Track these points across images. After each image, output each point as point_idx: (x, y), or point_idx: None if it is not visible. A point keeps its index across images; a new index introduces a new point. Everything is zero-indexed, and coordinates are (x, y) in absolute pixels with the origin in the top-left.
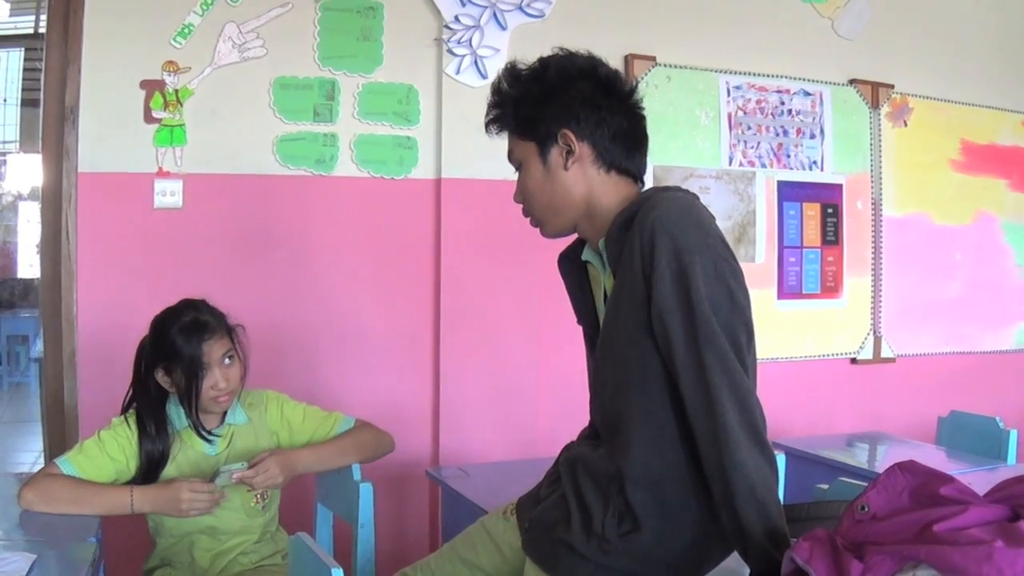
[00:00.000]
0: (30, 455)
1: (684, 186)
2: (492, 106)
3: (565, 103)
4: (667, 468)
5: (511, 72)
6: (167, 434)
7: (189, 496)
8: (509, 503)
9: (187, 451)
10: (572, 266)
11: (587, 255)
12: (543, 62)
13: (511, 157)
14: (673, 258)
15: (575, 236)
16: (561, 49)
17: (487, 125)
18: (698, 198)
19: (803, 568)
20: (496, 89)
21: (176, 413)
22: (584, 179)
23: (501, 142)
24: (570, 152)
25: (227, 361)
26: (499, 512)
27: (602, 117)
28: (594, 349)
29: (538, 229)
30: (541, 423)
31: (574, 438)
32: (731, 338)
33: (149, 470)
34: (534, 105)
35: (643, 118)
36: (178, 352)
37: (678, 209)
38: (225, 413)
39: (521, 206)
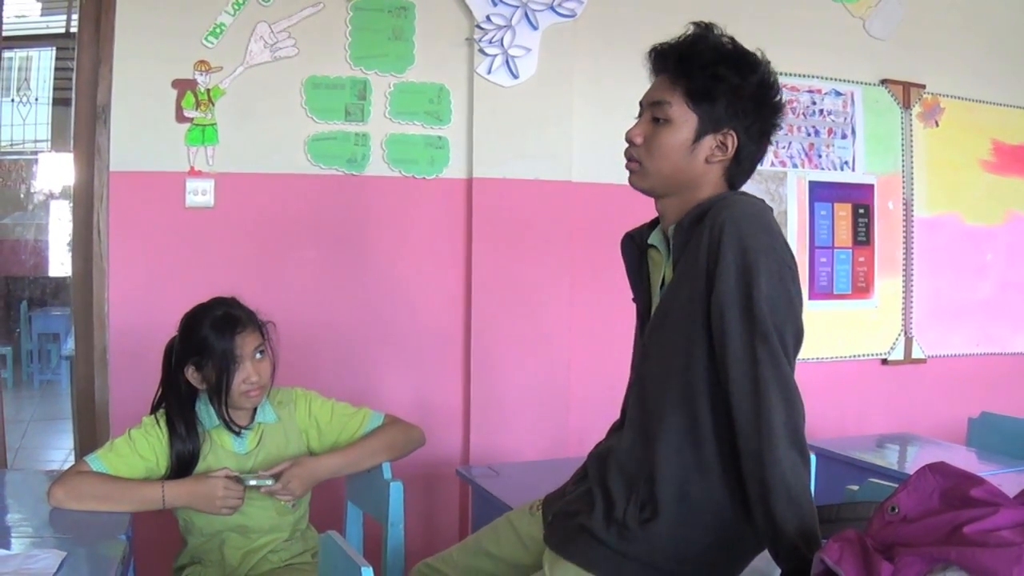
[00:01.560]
0: (61, 453)
1: None
2: (678, 50)
3: (748, 108)
4: (696, 460)
5: (713, 39)
6: (197, 434)
7: (224, 494)
8: (536, 499)
9: (217, 450)
10: (634, 246)
11: (654, 239)
12: (748, 57)
13: (659, 105)
14: (740, 254)
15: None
16: (759, 50)
17: (656, 53)
18: (770, 208)
19: (833, 569)
20: (692, 41)
21: (206, 412)
22: (709, 175)
23: (533, 142)
24: (722, 149)
25: (259, 356)
26: (526, 507)
27: (763, 140)
28: (643, 332)
29: (630, 168)
30: (572, 423)
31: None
32: (781, 339)
33: (179, 470)
34: (724, 91)
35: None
36: (210, 346)
37: (751, 212)
38: (255, 412)
39: (629, 147)
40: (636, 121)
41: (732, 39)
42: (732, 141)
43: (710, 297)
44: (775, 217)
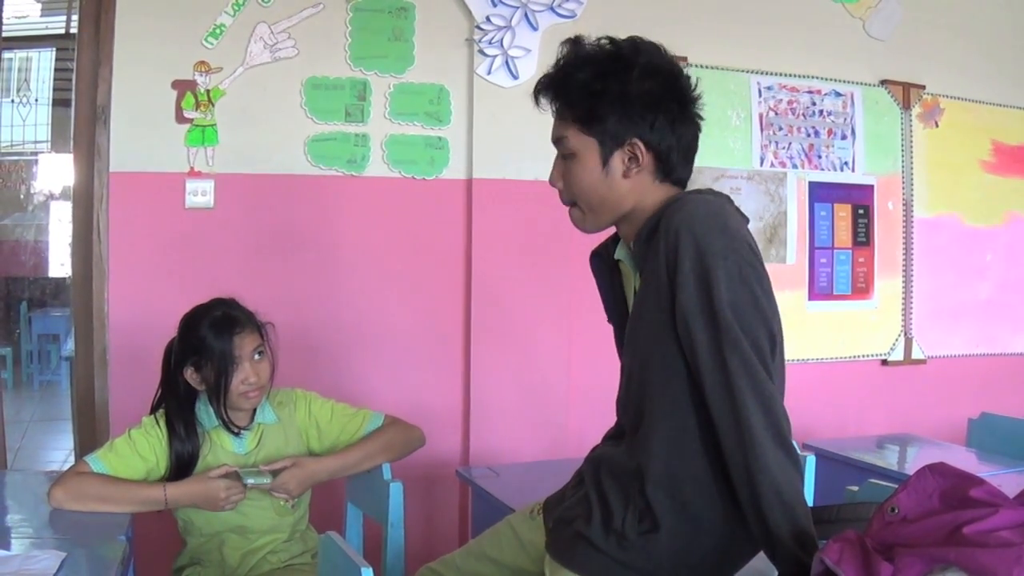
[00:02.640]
0: (61, 453)
1: (715, 187)
2: (553, 82)
3: (641, 110)
4: (688, 468)
5: (582, 53)
6: (196, 434)
7: (226, 494)
8: (536, 502)
9: (216, 451)
10: (603, 264)
11: (619, 253)
12: (621, 56)
13: (560, 142)
14: (697, 261)
15: (610, 231)
16: (629, 38)
17: (537, 94)
18: (730, 200)
19: (833, 570)
20: (563, 66)
21: (205, 413)
22: (639, 187)
23: (533, 143)
24: (634, 161)
25: (257, 356)
26: (526, 511)
27: (675, 129)
28: (623, 348)
29: (571, 214)
30: (571, 424)
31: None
32: (754, 343)
33: (179, 470)
34: (609, 104)
35: (701, 127)
36: (208, 346)
37: (705, 212)
38: (254, 412)
39: (559, 191)
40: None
41: (609, 39)
42: (640, 150)
43: (675, 307)
44: (736, 211)
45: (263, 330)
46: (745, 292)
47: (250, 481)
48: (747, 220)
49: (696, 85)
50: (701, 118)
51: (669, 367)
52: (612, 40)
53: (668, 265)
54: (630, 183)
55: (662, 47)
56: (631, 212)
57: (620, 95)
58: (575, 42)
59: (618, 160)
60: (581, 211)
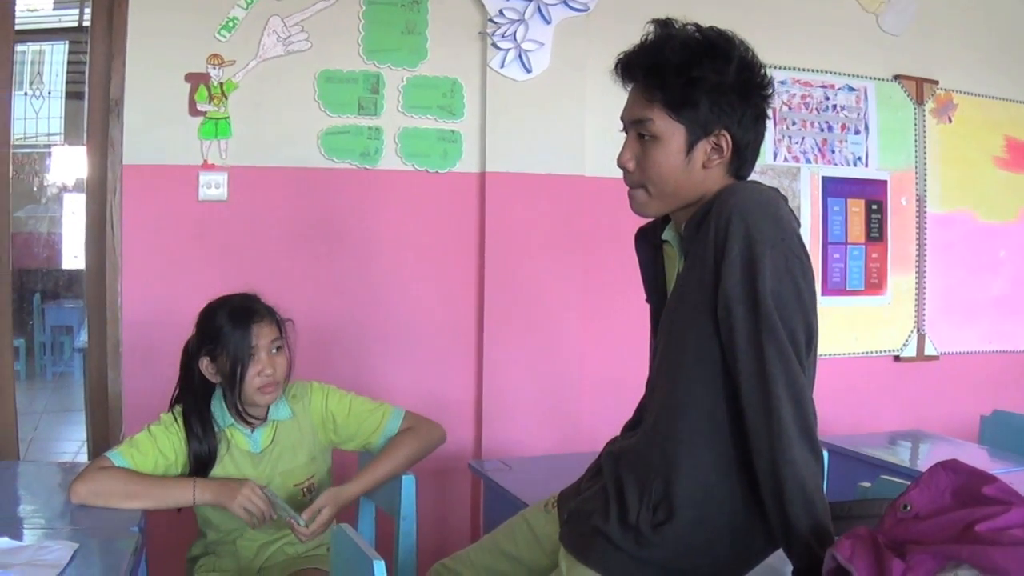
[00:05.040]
0: (73, 444)
1: None
2: (646, 61)
3: (734, 102)
4: (712, 456)
5: (678, 37)
6: (213, 433)
7: (249, 507)
8: (551, 496)
9: (232, 450)
10: (647, 243)
11: (667, 234)
12: (718, 46)
13: (642, 123)
14: (745, 247)
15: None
16: (714, 28)
17: (624, 69)
18: (783, 196)
19: (845, 566)
20: (655, 47)
21: (220, 411)
22: (712, 179)
23: (546, 137)
24: (717, 152)
25: (275, 350)
26: (540, 505)
27: (756, 126)
28: (657, 330)
29: (633, 196)
30: (585, 417)
31: (618, 432)
32: (791, 335)
33: (197, 469)
34: (704, 92)
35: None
36: (225, 334)
37: (758, 200)
38: (268, 410)
39: (625, 174)
40: (623, 142)
41: (697, 27)
42: (726, 141)
43: (718, 290)
44: (788, 207)
45: (282, 325)
46: (789, 283)
47: (272, 498)
48: (799, 223)
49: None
50: (769, 117)
51: (703, 351)
52: (699, 28)
53: (716, 249)
54: (706, 174)
55: (749, 49)
56: (694, 202)
57: (716, 85)
58: (667, 24)
59: (701, 149)
60: (648, 194)
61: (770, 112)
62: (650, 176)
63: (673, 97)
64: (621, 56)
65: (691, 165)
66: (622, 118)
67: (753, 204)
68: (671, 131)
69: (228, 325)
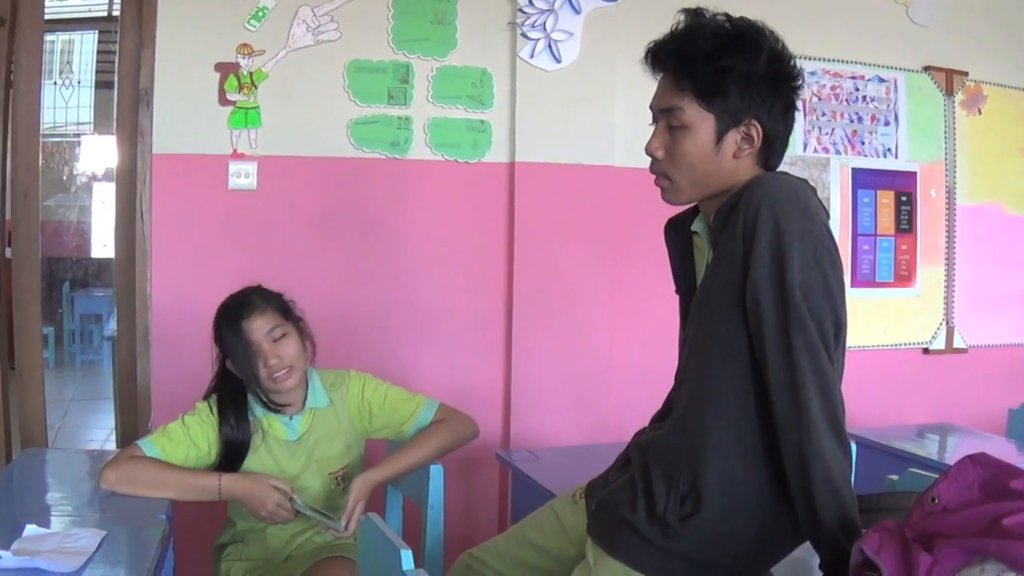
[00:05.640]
0: (102, 432)
1: None
2: (676, 49)
3: (764, 92)
4: (741, 449)
5: (708, 26)
6: (248, 423)
7: (273, 508)
8: (578, 486)
9: (268, 440)
10: (677, 234)
11: (697, 225)
12: (748, 36)
13: (672, 112)
14: (774, 238)
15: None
16: (743, 19)
17: (654, 57)
18: (812, 187)
19: (872, 559)
20: (685, 36)
21: (256, 400)
22: (742, 169)
23: (575, 127)
24: (748, 141)
25: (277, 338)
26: (568, 495)
27: (785, 117)
28: (686, 322)
29: (660, 185)
30: (613, 408)
31: (646, 423)
32: (819, 327)
33: (230, 457)
34: (734, 81)
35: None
36: (225, 338)
37: (787, 191)
38: (306, 397)
39: (653, 162)
40: (652, 131)
41: (728, 17)
42: (757, 131)
43: (746, 282)
44: (817, 198)
45: (288, 310)
46: (817, 274)
47: (308, 512)
48: (828, 215)
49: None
50: (798, 109)
51: (732, 342)
52: (730, 18)
53: (745, 239)
54: (736, 164)
55: (777, 33)
56: (723, 192)
57: (747, 74)
58: (697, 13)
59: (732, 139)
60: (676, 183)
61: (800, 103)
62: (679, 165)
63: (703, 86)
64: (651, 45)
65: (721, 155)
66: (651, 107)
67: (782, 195)
68: (701, 120)
69: (224, 327)
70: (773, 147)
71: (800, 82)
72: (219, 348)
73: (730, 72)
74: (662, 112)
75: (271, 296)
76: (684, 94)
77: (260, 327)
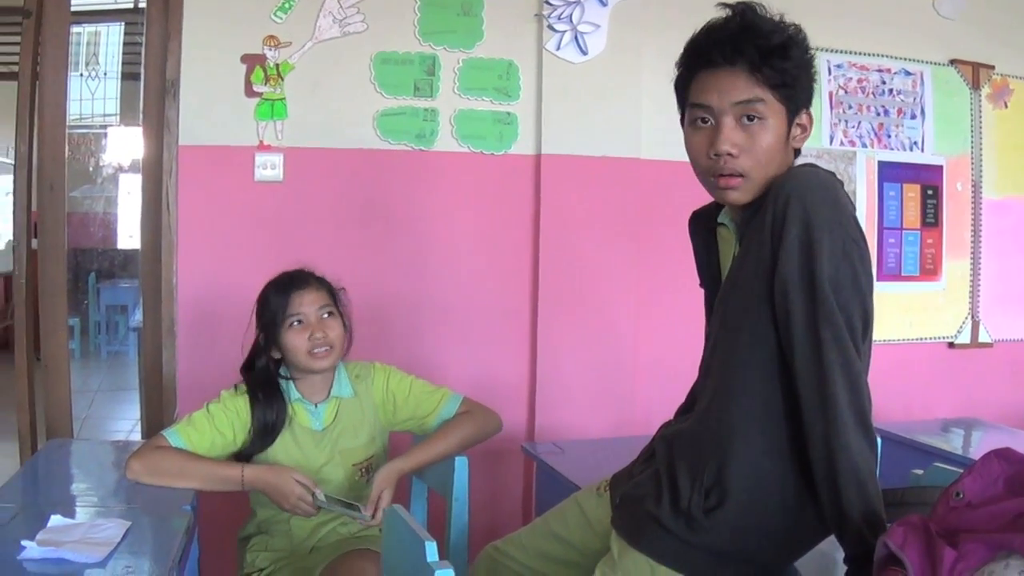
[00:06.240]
0: (127, 423)
1: None
2: (748, 41)
3: (810, 81)
4: (765, 442)
5: (767, 18)
6: (282, 401)
7: (295, 502)
8: (603, 479)
9: (294, 427)
10: (702, 227)
11: (724, 218)
12: (800, 31)
13: (751, 104)
14: (803, 231)
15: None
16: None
17: (722, 43)
18: (839, 180)
19: (897, 554)
20: (754, 26)
21: (285, 386)
22: (791, 158)
23: (602, 119)
24: (802, 131)
25: (325, 315)
26: (592, 488)
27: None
28: (711, 314)
29: (732, 185)
30: (638, 401)
31: (671, 416)
32: (847, 320)
33: (261, 438)
34: (799, 72)
35: None
36: (272, 306)
37: (816, 184)
38: (331, 387)
39: (726, 160)
40: (707, 129)
41: (763, 8)
42: (809, 119)
43: (775, 274)
44: (844, 190)
45: (335, 294)
46: (847, 268)
47: (323, 505)
48: (854, 208)
49: None
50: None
51: (759, 335)
52: (766, 9)
53: (774, 231)
54: (791, 152)
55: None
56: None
57: (806, 64)
58: (751, 6)
59: (796, 129)
60: (750, 180)
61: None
62: (759, 159)
63: (780, 77)
64: (707, 34)
65: (787, 146)
66: (710, 104)
67: (811, 188)
68: (776, 112)
69: (273, 296)
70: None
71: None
72: (260, 319)
73: (793, 61)
74: (736, 105)
75: (323, 279)
76: (762, 86)
77: (312, 300)
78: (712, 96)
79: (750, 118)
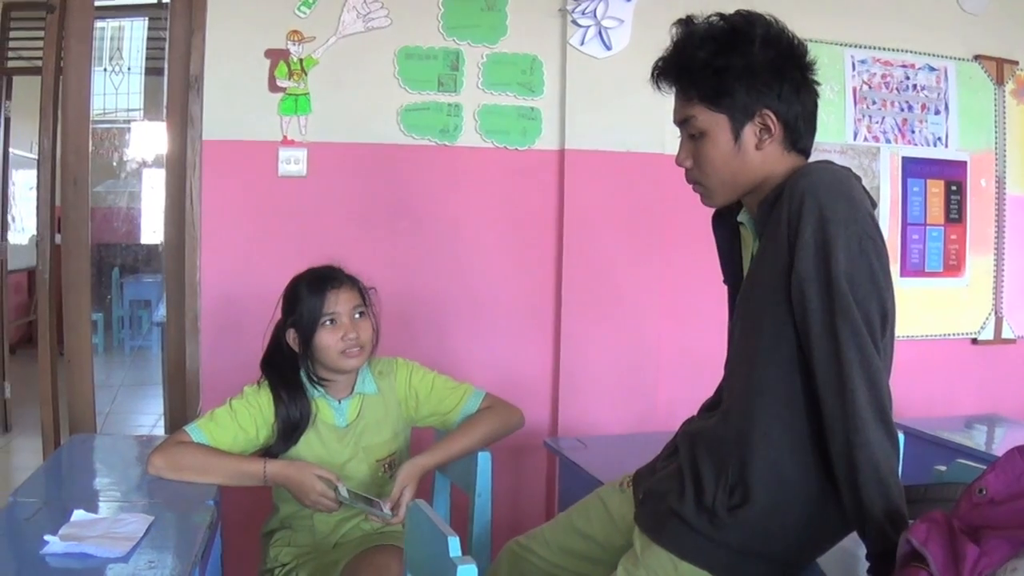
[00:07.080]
0: (150, 418)
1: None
2: (673, 65)
3: (767, 80)
4: (788, 440)
5: (698, 32)
6: (305, 398)
7: (316, 498)
8: (626, 475)
9: (317, 424)
10: (724, 224)
11: (742, 216)
12: (738, 30)
13: (687, 122)
14: (818, 228)
15: None
16: (738, 12)
17: (657, 78)
18: (856, 176)
19: (919, 550)
20: (680, 47)
21: (308, 382)
22: (770, 158)
23: (626, 114)
24: (766, 131)
25: (358, 316)
26: (615, 483)
27: (799, 96)
28: (734, 312)
29: (700, 196)
30: (661, 397)
31: (694, 413)
32: (865, 317)
33: (286, 433)
34: (735, 77)
35: (819, 93)
36: (303, 301)
37: (830, 180)
38: (355, 383)
39: (686, 171)
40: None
41: (720, 16)
42: (771, 119)
43: (792, 272)
44: (862, 186)
45: (365, 293)
46: (863, 264)
47: (346, 500)
48: (875, 204)
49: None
50: (818, 83)
51: (779, 333)
52: (722, 16)
53: (789, 229)
54: (762, 155)
55: (773, 17)
56: (761, 184)
57: (745, 68)
58: (687, 22)
59: (750, 133)
60: (708, 188)
61: (817, 78)
62: (706, 171)
63: (707, 91)
64: (654, 66)
65: (743, 151)
66: (673, 122)
67: (825, 184)
68: (715, 123)
69: (305, 292)
70: (796, 129)
71: (805, 59)
72: (289, 315)
73: (729, 70)
74: (680, 124)
75: (355, 278)
76: (693, 103)
77: (347, 300)
78: (672, 116)
79: (692, 135)
